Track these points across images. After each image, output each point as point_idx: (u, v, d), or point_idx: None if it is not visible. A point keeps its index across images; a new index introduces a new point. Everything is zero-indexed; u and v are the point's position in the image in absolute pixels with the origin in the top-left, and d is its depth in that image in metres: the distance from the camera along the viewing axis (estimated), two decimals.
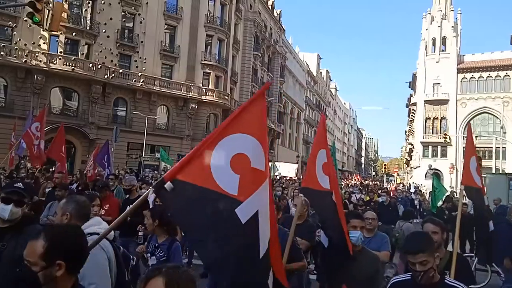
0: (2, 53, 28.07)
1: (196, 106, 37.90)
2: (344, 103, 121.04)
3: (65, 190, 7.12)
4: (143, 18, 35.61)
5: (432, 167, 58.73)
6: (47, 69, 29.39)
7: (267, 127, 2.94)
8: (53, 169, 14.10)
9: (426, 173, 58.43)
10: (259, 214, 2.45)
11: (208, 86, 39.09)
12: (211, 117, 40.05)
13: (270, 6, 57.63)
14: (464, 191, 4.53)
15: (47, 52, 29.81)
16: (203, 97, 38.28)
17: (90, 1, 32.07)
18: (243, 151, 2.49)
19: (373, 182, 41.70)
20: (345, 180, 44.45)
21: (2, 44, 28.32)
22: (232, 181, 2.41)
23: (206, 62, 39.07)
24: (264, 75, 54.46)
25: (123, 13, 34.84)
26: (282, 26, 63.02)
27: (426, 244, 2.78)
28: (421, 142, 62.08)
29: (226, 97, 41.03)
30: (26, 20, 25.54)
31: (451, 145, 57.26)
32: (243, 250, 2.40)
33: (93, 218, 3.27)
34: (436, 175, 18.98)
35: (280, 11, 62.63)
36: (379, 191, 21.59)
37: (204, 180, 2.37)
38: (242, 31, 47.47)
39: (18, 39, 29.07)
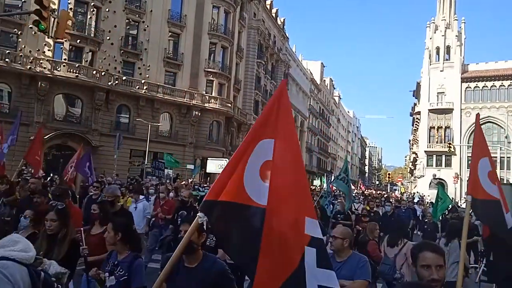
0: (7, 59, 28.21)
1: (199, 114, 37.89)
2: (348, 112, 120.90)
3: (44, 197, 6.57)
4: (147, 26, 35.78)
5: (436, 177, 58.38)
6: (51, 75, 29.51)
7: (295, 127, 2.84)
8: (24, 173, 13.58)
9: (430, 183, 58.08)
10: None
11: (211, 94, 39.11)
12: (214, 124, 40.02)
13: (274, 14, 57.86)
14: (471, 205, 3.56)
15: (52, 59, 29.96)
16: (206, 105, 38.29)
17: (95, 9, 32.27)
18: (271, 158, 2.53)
19: (377, 192, 41.36)
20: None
21: (7, 51, 28.48)
22: (262, 190, 2.46)
23: (209, 69, 39.14)
24: (268, 83, 54.50)
25: (127, 21, 35.03)
26: (285, 34, 63.21)
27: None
28: (425, 151, 61.77)
29: (229, 105, 41.02)
30: (31, 27, 25.78)
31: (456, 155, 56.89)
32: None
33: (6, 237, 2.69)
34: (440, 185, 18.80)
35: (284, 19, 62.87)
36: (382, 200, 21.41)
37: (236, 195, 2.44)
38: (245, 39, 47.61)
39: (23, 46, 29.26)
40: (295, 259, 2.34)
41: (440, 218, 13.66)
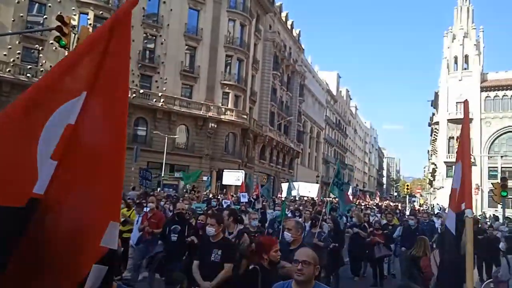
0: (28, 74, 28.94)
1: (216, 126, 38.09)
2: (365, 122, 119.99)
3: None
4: (164, 40, 36.34)
5: None
6: None
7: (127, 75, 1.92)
8: None
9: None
10: None
11: (227, 106, 39.33)
12: (230, 136, 40.16)
13: (289, 26, 58.16)
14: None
15: None
16: (222, 117, 38.49)
17: None
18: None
19: (394, 204, 40.58)
20: (363, 200, 43.30)
21: (29, 66, 29.25)
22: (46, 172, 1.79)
23: (225, 82, 39.42)
24: (283, 94, 54.59)
25: (144, 35, 35.66)
26: (301, 46, 63.39)
27: None
28: (444, 162, 60.75)
29: (245, 117, 41.15)
30: (52, 43, 26.48)
31: (476, 165, 55.78)
32: None
33: None
34: None
35: (299, 31, 63.12)
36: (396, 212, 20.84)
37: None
38: (261, 51, 47.91)
39: (44, 61, 30.00)
40: (67, 285, 1.69)
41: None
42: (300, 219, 11.12)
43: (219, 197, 23.09)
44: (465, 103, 3.79)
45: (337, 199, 16.50)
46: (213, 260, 5.20)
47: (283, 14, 56.35)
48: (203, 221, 7.02)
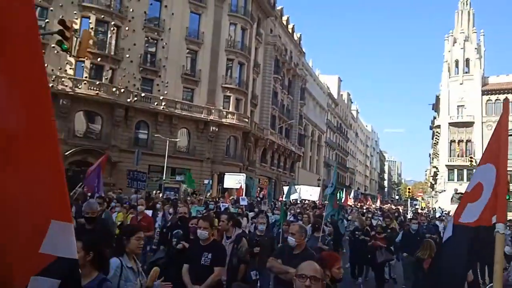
0: None
1: (217, 129, 38.10)
2: (366, 126, 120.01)
3: None
4: (166, 43, 36.42)
5: (458, 191, 57.05)
6: (72, 93, 30.19)
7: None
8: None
9: (452, 198, 56.78)
10: None
11: (229, 109, 39.36)
12: (231, 139, 40.16)
13: (290, 30, 58.29)
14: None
15: (73, 77, 30.70)
16: (223, 120, 38.51)
17: (115, 28, 33.05)
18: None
19: (395, 207, 40.44)
20: (364, 203, 43.27)
21: None
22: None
23: (226, 85, 39.46)
24: (285, 98, 54.64)
25: (146, 39, 35.74)
26: (302, 49, 63.50)
27: None
28: (446, 165, 60.67)
29: (247, 120, 41.17)
30: (54, 47, 26.55)
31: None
32: None
33: None
34: None
35: (300, 35, 63.26)
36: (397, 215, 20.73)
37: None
38: (262, 54, 48.00)
39: (46, 65, 29.92)
40: None
41: None
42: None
43: (218, 199, 23.01)
44: (505, 102, 3.76)
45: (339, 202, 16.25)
46: (203, 263, 5.12)
47: (284, 18, 56.48)
48: (195, 224, 6.58)
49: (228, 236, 6.54)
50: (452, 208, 46.17)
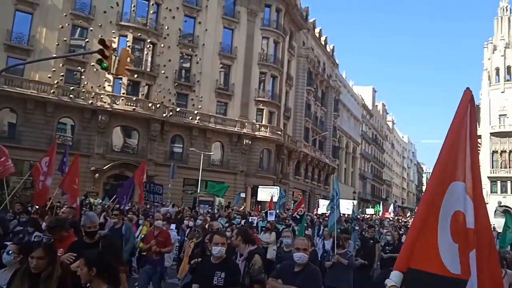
0: (71, 95, 30.25)
1: (250, 142, 38.22)
2: (402, 137, 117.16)
3: (65, 230, 5.59)
4: (200, 59, 37.10)
5: (502, 204, 54.52)
6: (110, 109, 31.21)
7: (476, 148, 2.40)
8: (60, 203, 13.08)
9: (495, 211, 54.26)
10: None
11: (262, 122, 39.45)
12: (264, 152, 40.16)
13: (323, 42, 58.11)
14: None
15: (111, 93, 31.75)
16: (256, 133, 38.62)
17: (151, 45, 34.02)
18: (460, 208, 2.11)
19: None
20: (403, 216, 41.96)
21: (72, 87, 30.57)
22: (454, 255, 2.07)
23: (259, 98, 39.64)
24: (318, 110, 54.27)
25: (181, 55, 36.55)
26: (335, 61, 63.10)
27: None
28: (488, 177, 58.18)
29: (280, 133, 41.11)
30: (93, 65, 27.63)
31: None
32: None
33: None
34: (508, 213, 17.42)
35: (333, 47, 62.94)
36: None
37: (433, 264, 2.07)
38: (295, 67, 48.00)
39: (85, 83, 31.34)
40: None
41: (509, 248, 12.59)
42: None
43: (249, 213, 22.66)
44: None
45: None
46: (215, 283, 4.65)
47: (317, 30, 56.41)
48: (208, 240, 6.02)
49: (241, 254, 5.85)
50: (496, 221, 44.06)
